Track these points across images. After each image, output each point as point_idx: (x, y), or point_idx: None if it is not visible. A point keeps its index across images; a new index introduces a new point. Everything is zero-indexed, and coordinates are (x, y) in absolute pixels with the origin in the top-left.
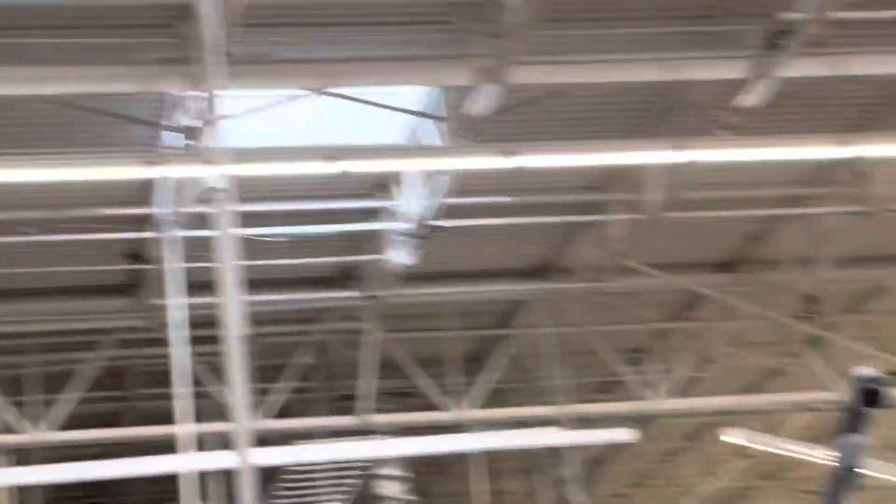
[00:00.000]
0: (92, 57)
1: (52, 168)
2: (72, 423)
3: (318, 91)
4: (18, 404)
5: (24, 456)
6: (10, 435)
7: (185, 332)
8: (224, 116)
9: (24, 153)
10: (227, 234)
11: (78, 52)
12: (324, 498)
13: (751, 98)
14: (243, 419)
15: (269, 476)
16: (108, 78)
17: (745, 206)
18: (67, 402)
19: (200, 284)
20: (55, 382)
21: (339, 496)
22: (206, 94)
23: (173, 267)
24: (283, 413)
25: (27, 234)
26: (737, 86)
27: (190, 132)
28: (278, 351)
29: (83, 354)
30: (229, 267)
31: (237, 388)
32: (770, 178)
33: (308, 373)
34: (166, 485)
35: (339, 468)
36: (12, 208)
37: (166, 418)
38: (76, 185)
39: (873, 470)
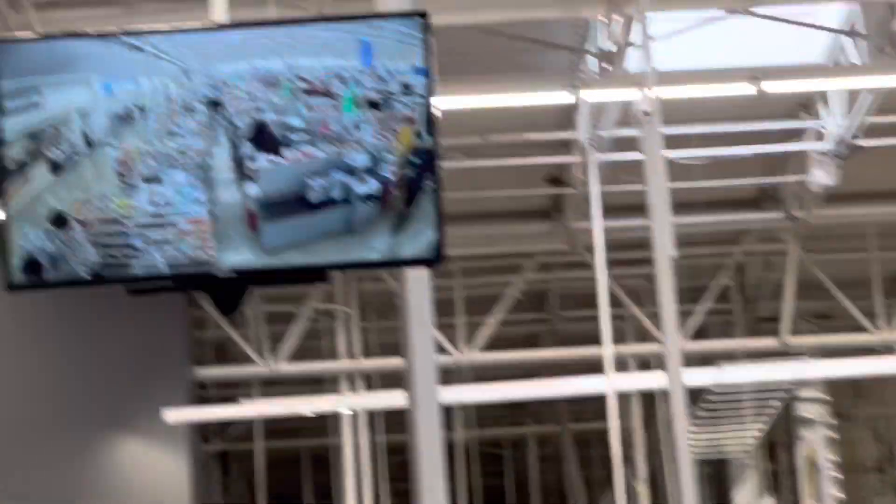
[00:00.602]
0: None
1: (477, 94)
2: (495, 345)
3: (740, 11)
4: (447, 326)
5: (451, 376)
6: (440, 356)
7: (605, 255)
8: (647, 39)
9: (451, 80)
10: (655, 157)
11: None
12: (745, 420)
13: None
14: (673, 339)
15: (689, 397)
16: (532, 4)
17: None
18: (491, 324)
19: (618, 208)
20: (479, 305)
21: (760, 418)
22: (627, 18)
23: (594, 190)
24: (701, 334)
25: (454, 159)
26: None
27: (611, 56)
28: (697, 273)
29: (506, 278)
30: (658, 189)
31: (666, 308)
32: None
33: (727, 294)
34: (584, 405)
35: (761, 390)
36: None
37: (585, 339)
38: (500, 112)
39: None
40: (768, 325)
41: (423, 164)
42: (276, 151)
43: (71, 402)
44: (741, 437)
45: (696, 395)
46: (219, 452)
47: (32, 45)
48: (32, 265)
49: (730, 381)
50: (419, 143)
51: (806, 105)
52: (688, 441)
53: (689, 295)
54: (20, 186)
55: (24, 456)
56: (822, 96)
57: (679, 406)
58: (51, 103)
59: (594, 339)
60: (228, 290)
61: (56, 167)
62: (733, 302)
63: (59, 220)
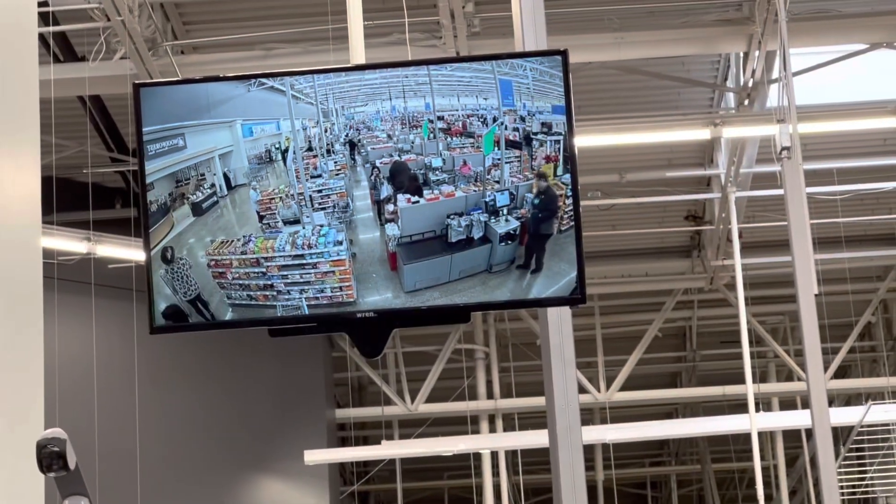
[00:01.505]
0: (653, 22)
1: (615, 132)
2: (635, 384)
3: (883, 45)
4: (586, 365)
5: (591, 415)
6: (583, 395)
7: (746, 293)
8: (787, 74)
9: (588, 118)
10: (796, 193)
11: (640, 18)
12: (892, 459)
13: None
14: (817, 378)
15: (834, 436)
16: (670, 42)
17: None
18: (631, 362)
19: (758, 244)
20: (619, 343)
21: None
22: (767, 53)
23: (734, 227)
24: (845, 372)
25: (593, 197)
26: None
27: (750, 92)
28: (840, 310)
29: (645, 316)
30: (800, 225)
31: (810, 346)
32: None
33: (871, 331)
34: (726, 444)
35: None
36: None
37: (726, 378)
38: (638, 149)
39: None
40: None
41: (563, 204)
42: (416, 192)
43: (216, 442)
44: (888, 478)
45: (840, 434)
46: (359, 493)
47: (173, 89)
48: (174, 307)
49: (876, 420)
50: (560, 182)
51: None
52: (835, 481)
53: (832, 332)
54: (163, 229)
55: (173, 493)
56: None
57: (825, 445)
58: (192, 146)
59: (735, 378)
60: (371, 333)
61: (197, 209)
62: (879, 339)
63: (167, 258)
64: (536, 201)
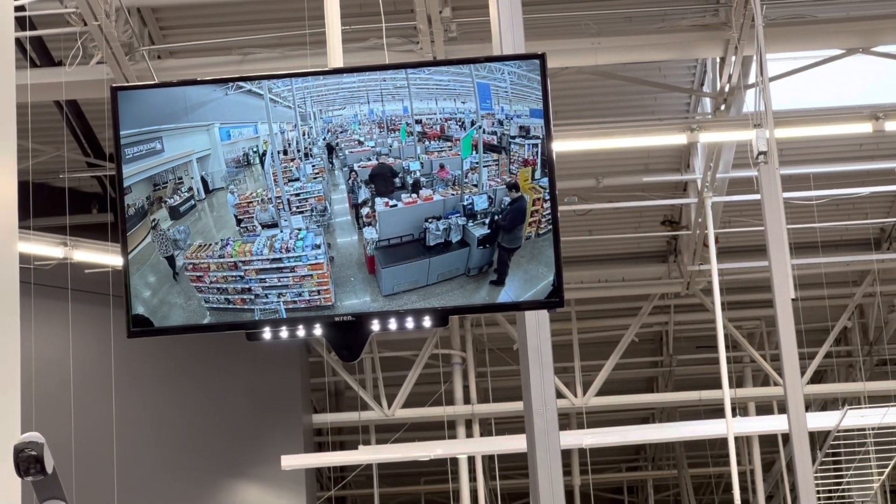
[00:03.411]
0: (630, 27)
1: (592, 137)
2: (611, 389)
3: (859, 50)
4: (563, 370)
5: (563, 421)
6: (560, 400)
7: (723, 298)
8: (764, 79)
9: (565, 123)
10: (773, 198)
11: (617, 23)
12: (867, 464)
13: None
14: (794, 383)
15: (813, 441)
16: (647, 47)
17: None
18: (607, 368)
19: (735, 249)
20: (595, 348)
21: (883, 463)
22: (744, 59)
23: (711, 232)
24: (821, 377)
25: (570, 202)
26: None
27: (727, 97)
28: (816, 315)
29: (622, 321)
30: (776, 230)
31: (787, 351)
32: None
33: (848, 336)
34: (702, 449)
35: (884, 434)
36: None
37: (702, 383)
38: (615, 154)
39: None
40: (891, 367)
41: (540, 207)
42: (393, 195)
43: (193, 447)
44: (864, 482)
45: (817, 439)
46: (336, 498)
47: (151, 92)
48: (149, 315)
49: (852, 425)
50: (537, 186)
51: None
52: (811, 486)
53: (808, 337)
54: (140, 233)
55: (150, 497)
56: None
57: (802, 450)
58: (170, 149)
59: (712, 383)
60: (349, 337)
61: (175, 213)
62: (855, 344)
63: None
64: (504, 209)
